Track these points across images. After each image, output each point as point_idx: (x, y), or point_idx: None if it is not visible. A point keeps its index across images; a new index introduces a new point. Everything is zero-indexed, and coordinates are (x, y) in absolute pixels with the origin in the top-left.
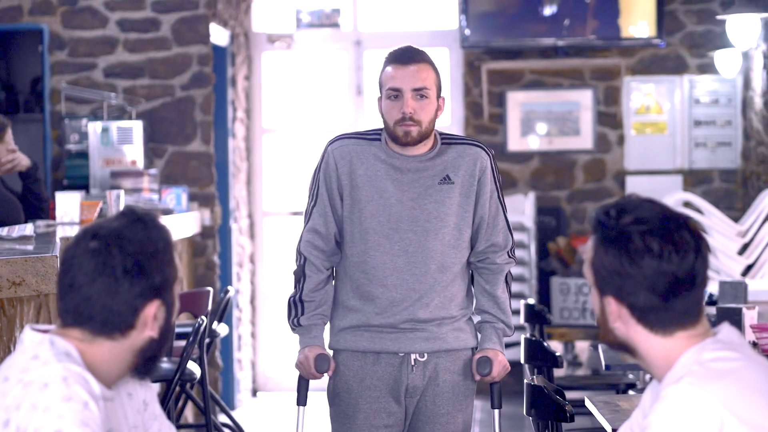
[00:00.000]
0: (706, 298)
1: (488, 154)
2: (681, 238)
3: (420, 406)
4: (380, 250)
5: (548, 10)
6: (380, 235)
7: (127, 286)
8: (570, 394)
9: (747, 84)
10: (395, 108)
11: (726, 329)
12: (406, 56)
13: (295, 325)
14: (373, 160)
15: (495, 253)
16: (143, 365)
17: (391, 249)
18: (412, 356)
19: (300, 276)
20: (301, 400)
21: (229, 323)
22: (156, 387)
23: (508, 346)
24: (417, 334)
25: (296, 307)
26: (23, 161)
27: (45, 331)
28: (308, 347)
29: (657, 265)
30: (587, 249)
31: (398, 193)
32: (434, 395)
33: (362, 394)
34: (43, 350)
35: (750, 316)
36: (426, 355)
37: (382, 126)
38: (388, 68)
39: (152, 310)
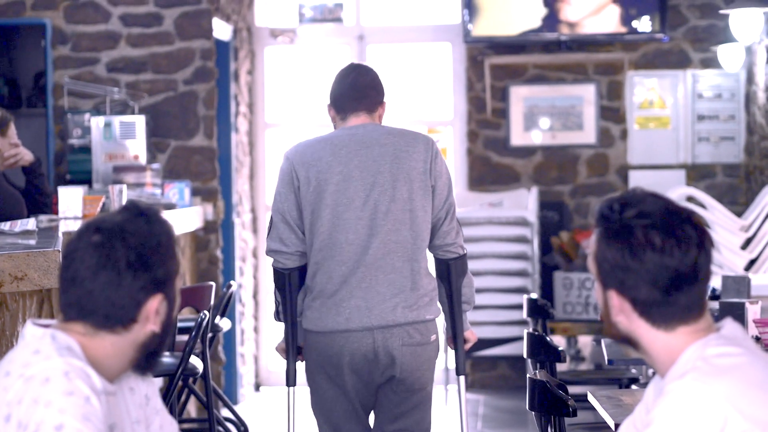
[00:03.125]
0: (708, 293)
1: None
2: (684, 232)
3: None
4: None
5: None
6: None
7: (130, 279)
8: (573, 389)
9: (750, 78)
10: None
11: (729, 325)
12: None
13: None
14: None
15: None
16: (145, 360)
17: None
18: None
19: None
20: None
21: (232, 318)
22: (159, 381)
23: (509, 341)
24: None
25: None
26: (26, 156)
27: (46, 326)
28: None
29: (659, 259)
30: (591, 242)
31: None
32: None
33: None
34: (45, 345)
35: (753, 311)
36: None
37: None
38: None
39: (154, 304)
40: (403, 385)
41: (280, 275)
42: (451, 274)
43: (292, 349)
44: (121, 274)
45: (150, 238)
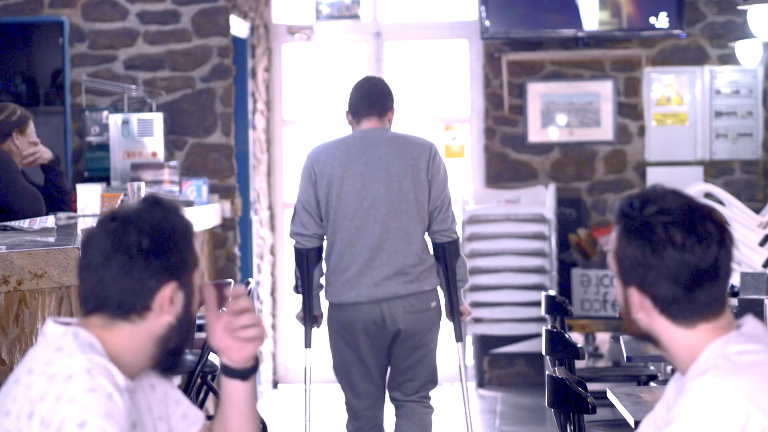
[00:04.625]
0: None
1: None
2: (704, 229)
3: None
4: None
5: None
6: None
7: (142, 264)
8: (591, 386)
9: None
10: None
11: (750, 322)
12: None
13: None
14: None
15: None
16: (166, 358)
17: None
18: None
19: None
20: None
21: None
22: (177, 379)
23: (526, 338)
24: None
25: None
26: (45, 154)
27: (67, 324)
28: None
29: (679, 256)
30: (611, 239)
31: None
32: None
33: None
34: (67, 342)
35: None
36: None
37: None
38: None
39: (168, 291)
40: (408, 344)
41: (299, 254)
42: (446, 255)
43: (309, 317)
44: (132, 259)
45: (164, 225)
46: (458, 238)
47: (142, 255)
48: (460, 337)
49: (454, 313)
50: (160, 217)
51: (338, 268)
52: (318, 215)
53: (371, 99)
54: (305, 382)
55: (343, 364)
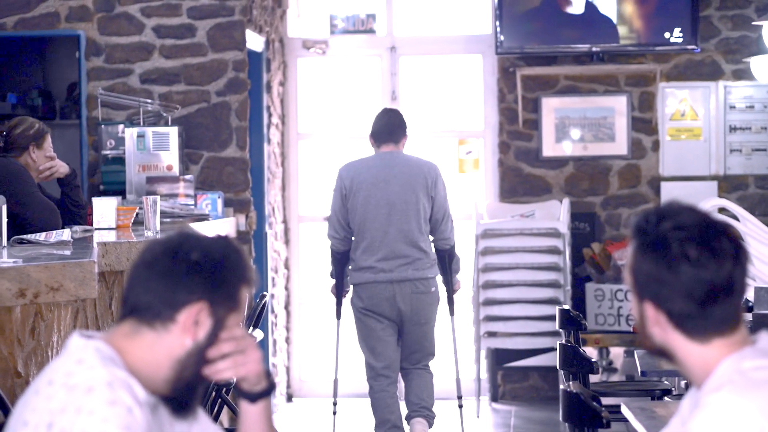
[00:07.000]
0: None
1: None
2: (719, 245)
3: None
4: None
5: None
6: None
7: (182, 274)
8: (605, 400)
9: None
10: None
11: (765, 337)
12: None
13: None
14: None
15: None
16: (181, 391)
17: None
18: None
19: None
20: None
21: (265, 329)
22: None
23: (540, 352)
24: None
25: None
26: (62, 168)
27: (90, 337)
28: None
29: (694, 272)
30: (627, 254)
31: None
32: None
33: None
34: (88, 355)
35: None
36: None
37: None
38: None
39: (196, 310)
40: (413, 321)
41: (334, 256)
42: (445, 260)
43: (340, 293)
44: (175, 266)
45: (222, 255)
46: (455, 243)
47: (185, 265)
48: (452, 312)
49: (450, 298)
50: (222, 247)
51: (363, 258)
52: (346, 222)
53: (390, 129)
54: (333, 395)
55: (365, 333)
